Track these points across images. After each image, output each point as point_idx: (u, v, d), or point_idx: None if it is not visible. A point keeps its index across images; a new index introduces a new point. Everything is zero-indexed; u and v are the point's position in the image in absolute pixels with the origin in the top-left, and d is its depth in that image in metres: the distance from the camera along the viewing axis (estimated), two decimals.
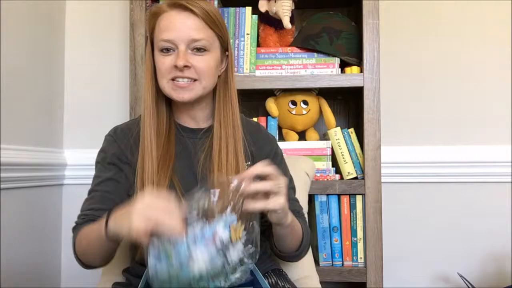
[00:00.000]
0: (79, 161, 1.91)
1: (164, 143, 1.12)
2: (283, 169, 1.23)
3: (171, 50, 1.09)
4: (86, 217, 1.09)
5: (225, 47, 1.16)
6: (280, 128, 1.76)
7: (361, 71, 1.62)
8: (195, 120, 1.18)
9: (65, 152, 1.93)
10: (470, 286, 1.60)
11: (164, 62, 1.09)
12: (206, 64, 1.10)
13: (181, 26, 1.08)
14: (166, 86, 1.10)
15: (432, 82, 1.88)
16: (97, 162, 1.17)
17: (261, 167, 0.91)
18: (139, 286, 0.96)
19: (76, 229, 1.09)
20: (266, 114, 1.72)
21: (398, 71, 1.88)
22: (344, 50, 1.64)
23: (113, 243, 0.97)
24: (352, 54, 1.65)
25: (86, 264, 1.09)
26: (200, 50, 1.09)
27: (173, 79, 1.09)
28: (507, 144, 1.83)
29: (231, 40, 1.64)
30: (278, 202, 0.92)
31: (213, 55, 1.11)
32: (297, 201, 1.23)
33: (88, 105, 1.94)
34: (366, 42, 1.59)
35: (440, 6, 1.88)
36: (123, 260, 1.28)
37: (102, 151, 1.18)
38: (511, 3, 1.86)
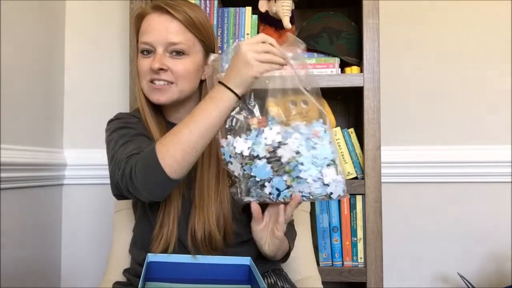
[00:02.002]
0: (79, 161, 1.91)
1: None
2: None
3: (151, 53, 1.11)
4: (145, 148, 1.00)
5: (210, 51, 1.16)
6: None
7: (361, 71, 1.62)
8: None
9: (65, 152, 1.93)
10: (470, 286, 1.59)
11: (143, 64, 1.11)
12: (183, 68, 1.11)
13: (160, 29, 1.09)
14: (145, 87, 1.13)
15: (432, 82, 1.88)
16: (114, 130, 1.11)
17: None
18: (139, 286, 0.96)
19: (142, 153, 0.98)
20: (266, 114, 1.71)
21: (398, 71, 1.88)
22: (344, 50, 1.64)
23: (231, 104, 0.98)
24: (352, 54, 1.65)
25: (170, 179, 0.96)
26: (178, 53, 1.10)
27: (151, 81, 1.11)
28: (507, 144, 1.83)
29: (230, 40, 1.65)
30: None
31: (193, 59, 1.12)
32: None
33: (88, 105, 1.94)
34: (366, 42, 1.59)
35: (440, 6, 1.88)
36: (123, 260, 1.28)
37: (117, 120, 1.15)
38: (511, 3, 1.86)
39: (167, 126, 1.17)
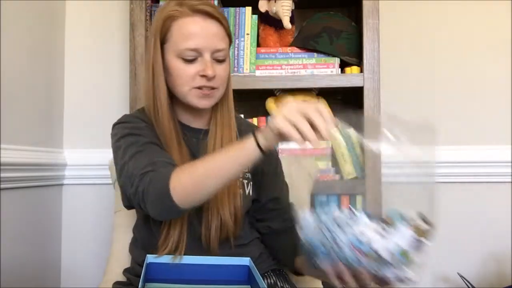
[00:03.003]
0: (79, 161, 1.91)
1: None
2: (280, 169, 1.25)
3: (195, 59, 1.07)
4: (162, 164, 0.99)
5: None
6: None
7: (361, 71, 1.62)
8: (195, 121, 1.17)
9: (65, 152, 1.93)
10: (470, 286, 1.59)
11: (187, 70, 1.07)
12: (225, 73, 1.11)
13: (207, 35, 1.06)
14: (189, 93, 1.08)
15: (432, 82, 1.88)
16: (122, 136, 1.08)
17: None
18: (139, 286, 0.96)
19: (157, 174, 0.96)
20: (266, 114, 1.72)
21: (398, 71, 1.88)
22: (344, 50, 1.64)
23: (255, 157, 0.92)
24: (352, 54, 1.65)
25: (177, 207, 0.94)
26: (220, 59, 1.09)
27: (199, 88, 1.08)
28: (507, 144, 1.83)
29: None
30: None
31: (228, 63, 1.12)
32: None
33: (88, 105, 1.94)
34: (366, 42, 1.59)
35: (440, 6, 1.88)
36: (123, 260, 1.28)
37: (123, 124, 1.11)
38: (511, 3, 1.86)
39: (182, 128, 1.14)
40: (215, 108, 1.15)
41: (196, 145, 1.15)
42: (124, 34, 1.87)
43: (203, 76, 1.06)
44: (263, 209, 1.20)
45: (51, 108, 1.87)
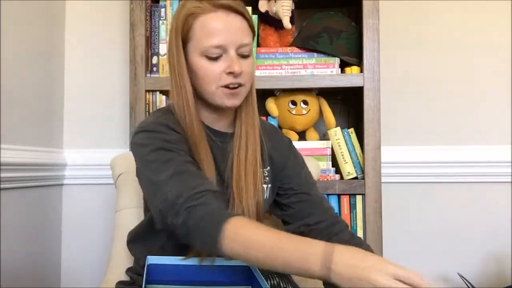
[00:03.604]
0: (79, 161, 1.91)
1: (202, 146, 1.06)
2: (306, 167, 1.22)
3: (220, 55, 1.03)
4: (210, 196, 0.92)
5: None
6: (280, 128, 1.76)
7: (361, 71, 1.62)
8: (218, 122, 1.12)
9: (65, 152, 1.93)
10: (470, 286, 1.59)
11: (213, 68, 1.02)
12: (251, 69, 1.06)
13: (231, 29, 1.01)
14: (216, 92, 1.03)
15: (432, 82, 1.88)
16: (154, 150, 0.99)
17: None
18: (142, 285, 0.95)
19: (208, 212, 0.90)
20: (266, 114, 1.72)
21: (398, 71, 1.88)
22: (344, 50, 1.64)
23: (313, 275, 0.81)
24: (352, 54, 1.65)
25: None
26: (245, 55, 1.04)
27: (226, 86, 1.03)
28: (507, 144, 1.83)
29: None
30: None
31: (252, 58, 1.08)
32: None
33: (88, 105, 1.94)
34: (366, 42, 1.59)
35: (440, 6, 1.88)
36: (124, 260, 1.28)
37: (154, 133, 1.02)
38: (511, 3, 1.86)
39: (207, 131, 1.09)
40: (239, 107, 1.10)
41: (220, 148, 1.10)
42: (124, 34, 1.87)
43: (230, 73, 1.01)
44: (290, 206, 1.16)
45: (51, 108, 1.87)
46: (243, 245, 0.85)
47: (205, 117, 1.11)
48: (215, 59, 1.02)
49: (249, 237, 0.85)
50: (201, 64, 1.03)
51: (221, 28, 1.01)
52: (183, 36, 1.04)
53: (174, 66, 1.05)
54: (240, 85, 1.04)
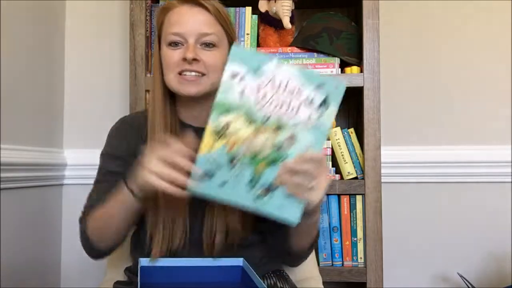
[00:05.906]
0: (79, 161, 1.91)
1: None
2: None
3: (180, 44, 1.08)
4: (96, 206, 1.10)
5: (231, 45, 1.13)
6: None
7: (361, 71, 1.62)
8: (198, 119, 1.14)
9: (65, 152, 1.93)
10: (470, 286, 1.59)
11: (172, 55, 1.08)
12: (215, 60, 1.08)
13: (191, 20, 1.08)
14: (173, 80, 1.08)
15: (432, 82, 1.88)
16: (101, 154, 1.19)
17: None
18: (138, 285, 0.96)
19: (85, 216, 1.11)
20: None
21: (398, 71, 1.88)
22: (344, 50, 1.64)
23: (137, 205, 1.01)
24: (352, 54, 1.65)
25: (98, 250, 1.10)
26: (209, 45, 1.08)
27: (180, 73, 1.08)
28: (507, 144, 1.83)
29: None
30: (319, 193, 0.96)
31: (222, 52, 1.10)
32: None
33: (88, 105, 1.94)
34: (366, 42, 1.59)
35: (440, 6, 1.88)
36: (125, 259, 1.28)
37: (107, 143, 1.19)
38: (511, 3, 1.86)
39: (181, 127, 1.12)
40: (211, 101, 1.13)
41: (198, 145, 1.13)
42: (124, 34, 1.88)
43: (184, 59, 1.06)
44: None
45: (51, 108, 1.87)
46: (92, 221, 1.08)
47: (184, 116, 1.15)
48: (174, 46, 1.08)
49: (96, 210, 1.08)
50: (165, 53, 1.10)
51: (182, 19, 1.08)
52: (158, 31, 1.13)
53: (154, 61, 1.14)
54: (198, 73, 1.08)
